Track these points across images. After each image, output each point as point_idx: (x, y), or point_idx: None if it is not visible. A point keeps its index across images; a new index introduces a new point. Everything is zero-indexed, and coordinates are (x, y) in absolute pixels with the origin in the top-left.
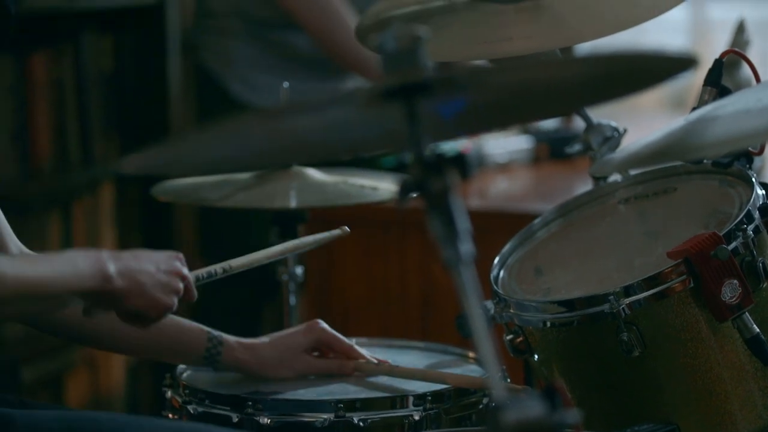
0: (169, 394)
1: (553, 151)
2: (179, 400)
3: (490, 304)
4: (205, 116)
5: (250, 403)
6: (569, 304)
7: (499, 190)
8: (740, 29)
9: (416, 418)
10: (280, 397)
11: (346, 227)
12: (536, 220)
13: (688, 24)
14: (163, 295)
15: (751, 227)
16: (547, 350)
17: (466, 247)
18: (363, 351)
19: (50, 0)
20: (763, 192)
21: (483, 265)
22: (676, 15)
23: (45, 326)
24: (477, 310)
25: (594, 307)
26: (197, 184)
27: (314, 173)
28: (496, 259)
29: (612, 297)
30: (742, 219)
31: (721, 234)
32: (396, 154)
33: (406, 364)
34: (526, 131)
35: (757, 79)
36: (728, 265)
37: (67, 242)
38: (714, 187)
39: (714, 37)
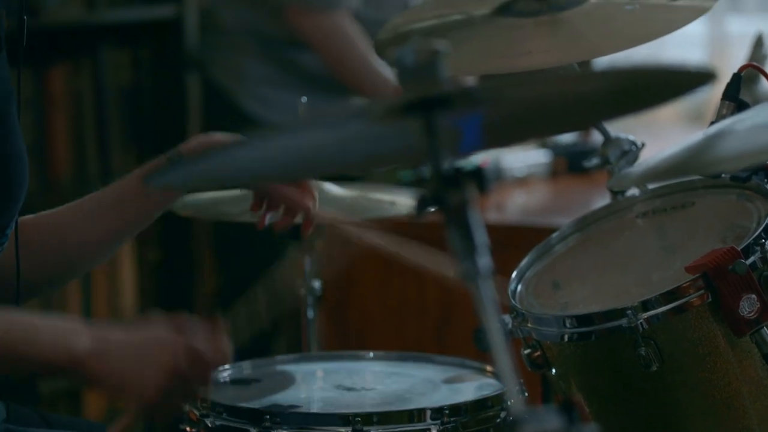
0: (186, 407)
1: (571, 165)
2: (197, 413)
3: (507, 318)
4: (216, 131)
5: (267, 416)
6: (587, 319)
7: (517, 204)
8: (758, 43)
9: (434, 431)
10: (298, 410)
11: None
12: (554, 234)
13: (706, 38)
14: (146, 383)
15: None
16: (565, 364)
17: (484, 260)
18: None
19: (69, 14)
20: None
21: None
22: (694, 29)
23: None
24: (495, 324)
25: (612, 322)
26: (216, 199)
27: (332, 187)
28: (514, 273)
29: (630, 311)
30: (760, 233)
31: (739, 248)
32: (414, 169)
33: (423, 378)
34: (543, 145)
35: None
36: (746, 280)
37: None
38: (732, 201)
39: (732, 52)
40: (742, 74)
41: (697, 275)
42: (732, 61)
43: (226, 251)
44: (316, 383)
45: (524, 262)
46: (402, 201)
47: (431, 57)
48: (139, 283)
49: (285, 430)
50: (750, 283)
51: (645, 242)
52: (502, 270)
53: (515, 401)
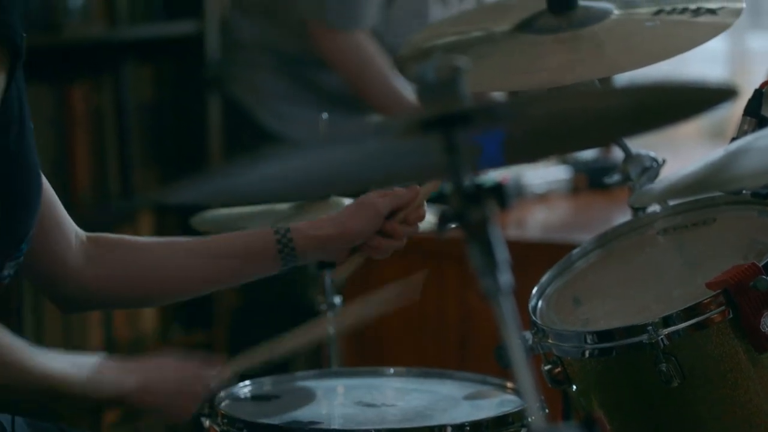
0: (207, 423)
1: (591, 181)
2: (217, 429)
3: (528, 334)
4: (236, 147)
5: None
6: (608, 335)
7: (538, 221)
8: None
9: None
10: (318, 427)
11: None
12: (575, 251)
13: (727, 54)
14: (184, 404)
15: None
16: (586, 381)
17: (505, 277)
18: None
19: (90, 31)
20: None
21: (521, 295)
22: (715, 45)
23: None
24: (516, 341)
25: (633, 338)
26: (236, 215)
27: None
28: (535, 290)
29: (651, 327)
30: None
31: (760, 265)
32: None
33: (444, 394)
34: (564, 161)
35: None
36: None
37: None
38: (753, 217)
39: (753, 68)
40: (763, 90)
41: (718, 291)
42: (753, 77)
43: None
44: (337, 399)
45: (545, 278)
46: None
47: (452, 73)
48: (162, 309)
49: None
50: None
51: (666, 258)
52: (523, 286)
53: (536, 418)
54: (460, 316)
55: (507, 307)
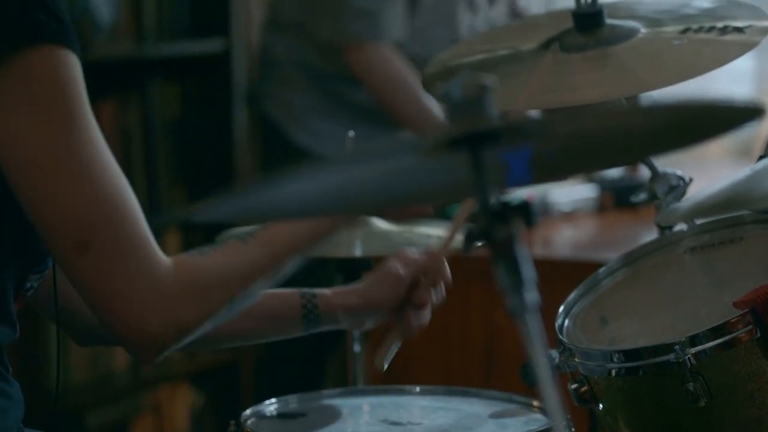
0: None
1: (618, 199)
2: None
3: (554, 353)
4: (269, 164)
5: None
6: (634, 354)
7: (564, 239)
8: None
9: None
10: None
11: None
12: (601, 269)
13: (754, 73)
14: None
15: None
16: (612, 400)
17: (531, 295)
18: None
19: (117, 49)
20: None
21: (548, 313)
22: (742, 64)
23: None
24: (542, 359)
25: (659, 357)
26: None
27: (379, 221)
28: (561, 308)
29: (678, 347)
30: None
31: None
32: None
33: (469, 413)
34: (590, 179)
35: None
36: None
37: None
38: None
39: None
40: None
41: (745, 310)
42: None
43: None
44: (363, 418)
45: (571, 296)
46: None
47: (479, 91)
48: None
49: None
50: None
51: (693, 277)
52: (549, 305)
53: None
54: (486, 334)
55: (533, 326)
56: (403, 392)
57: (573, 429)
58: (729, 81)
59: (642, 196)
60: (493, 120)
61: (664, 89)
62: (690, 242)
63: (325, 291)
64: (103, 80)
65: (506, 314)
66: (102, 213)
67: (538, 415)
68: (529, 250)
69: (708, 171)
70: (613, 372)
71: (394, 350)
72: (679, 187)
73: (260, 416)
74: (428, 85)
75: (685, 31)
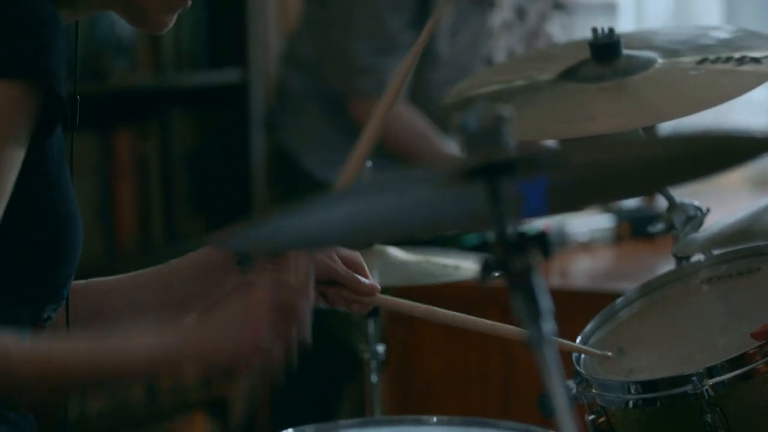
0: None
1: (635, 229)
2: None
3: (571, 383)
4: (285, 194)
5: None
6: (652, 385)
7: (581, 269)
8: None
9: None
10: None
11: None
12: (618, 300)
13: None
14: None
15: None
16: (630, 431)
17: (548, 326)
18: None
19: (135, 78)
20: None
21: None
22: (759, 95)
23: None
24: (559, 390)
25: (677, 388)
26: None
27: (396, 252)
28: (578, 339)
29: (695, 378)
30: None
31: None
32: (478, 233)
33: None
34: (607, 210)
35: None
36: None
37: None
38: None
39: None
40: None
41: (763, 341)
42: None
43: None
44: None
45: (588, 327)
46: (466, 265)
47: (495, 122)
48: None
49: None
50: None
51: (710, 308)
52: (566, 335)
53: None
54: (503, 364)
55: (550, 356)
56: (420, 422)
57: None
58: (746, 111)
59: (659, 226)
60: (510, 150)
61: (681, 120)
62: (707, 273)
63: None
64: (122, 110)
65: (523, 345)
66: None
67: None
68: (546, 280)
69: (725, 201)
70: (631, 403)
71: None
72: (696, 217)
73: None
74: (446, 116)
75: (702, 61)
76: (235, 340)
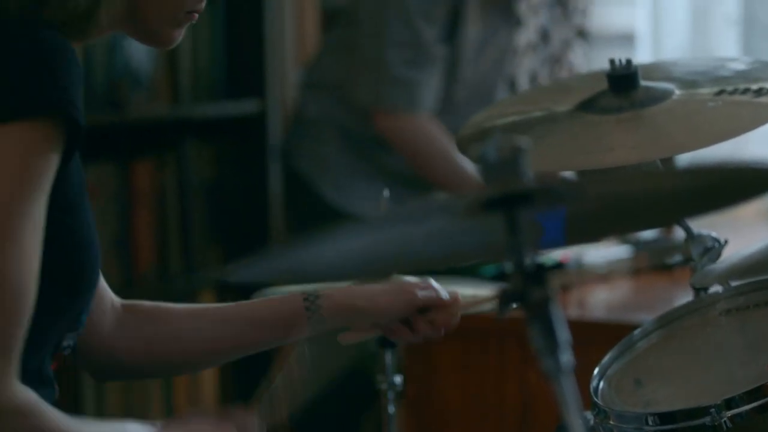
0: None
1: (652, 261)
2: None
3: (589, 415)
4: (299, 221)
5: None
6: (669, 417)
7: (599, 300)
8: None
9: None
10: None
11: None
12: (636, 331)
13: None
14: None
15: None
16: None
17: (566, 357)
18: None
19: (153, 109)
20: None
21: (582, 375)
22: None
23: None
24: (577, 421)
25: (695, 420)
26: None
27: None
28: (596, 370)
29: (713, 410)
30: None
31: None
32: (496, 263)
33: None
34: (625, 241)
35: None
36: None
37: None
38: None
39: None
40: None
41: None
42: None
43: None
44: None
45: (606, 358)
46: (484, 296)
47: (513, 153)
48: (221, 372)
49: None
50: None
51: (728, 340)
52: (584, 366)
53: None
54: (520, 395)
55: (568, 387)
56: None
57: None
58: (764, 143)
59: (677, 257)
60: (528, 181)
61: (699, 151)
62: (725, 304)
63: (332, 290)
64: (140, 140)
65: (541, 376)
66: None
67: None
68: (564, 311)
69: (743, 233)
70: None
71: (365, 338)
72: (714, 248)
73: None
74: (463, 148)
75: (719, 93)
76: None
